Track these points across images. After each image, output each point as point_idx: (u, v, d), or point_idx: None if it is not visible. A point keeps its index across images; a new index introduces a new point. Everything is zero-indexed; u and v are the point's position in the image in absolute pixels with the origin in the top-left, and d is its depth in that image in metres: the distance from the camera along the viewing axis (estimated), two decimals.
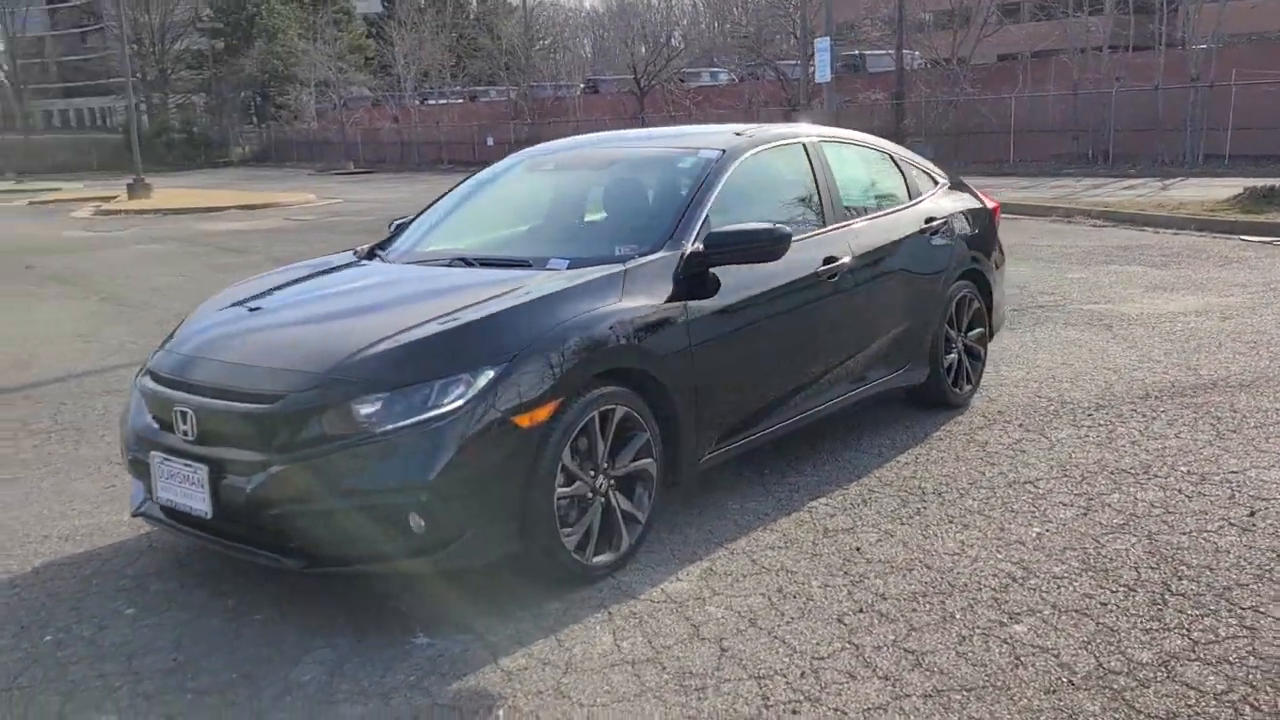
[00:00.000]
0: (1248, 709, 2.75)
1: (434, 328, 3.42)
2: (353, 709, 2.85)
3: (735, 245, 4.04)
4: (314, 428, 3.21)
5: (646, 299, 3.81)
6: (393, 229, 5.03)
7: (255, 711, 2.85)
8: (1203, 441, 5.01)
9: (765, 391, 4.38)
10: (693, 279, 4.01)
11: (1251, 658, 3.02)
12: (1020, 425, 5.37)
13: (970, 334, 5.78)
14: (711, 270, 4.09)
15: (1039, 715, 2.75)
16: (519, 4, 56.88)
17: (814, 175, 4.84)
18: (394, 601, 3.50)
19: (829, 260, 4.64)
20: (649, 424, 3.76)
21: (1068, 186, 20.97)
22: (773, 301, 4.35)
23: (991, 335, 6.13)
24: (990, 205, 6.11)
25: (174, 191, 30.27)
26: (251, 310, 4.00)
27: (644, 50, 47.99)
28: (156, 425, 3.58)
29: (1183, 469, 4.65)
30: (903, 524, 4.12)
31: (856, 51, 39.75)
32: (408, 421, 3.17)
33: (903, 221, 5.28)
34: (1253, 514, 4.11)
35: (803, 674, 2.98)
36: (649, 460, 3.78)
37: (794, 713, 2.80)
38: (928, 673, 2.98)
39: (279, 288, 4.26)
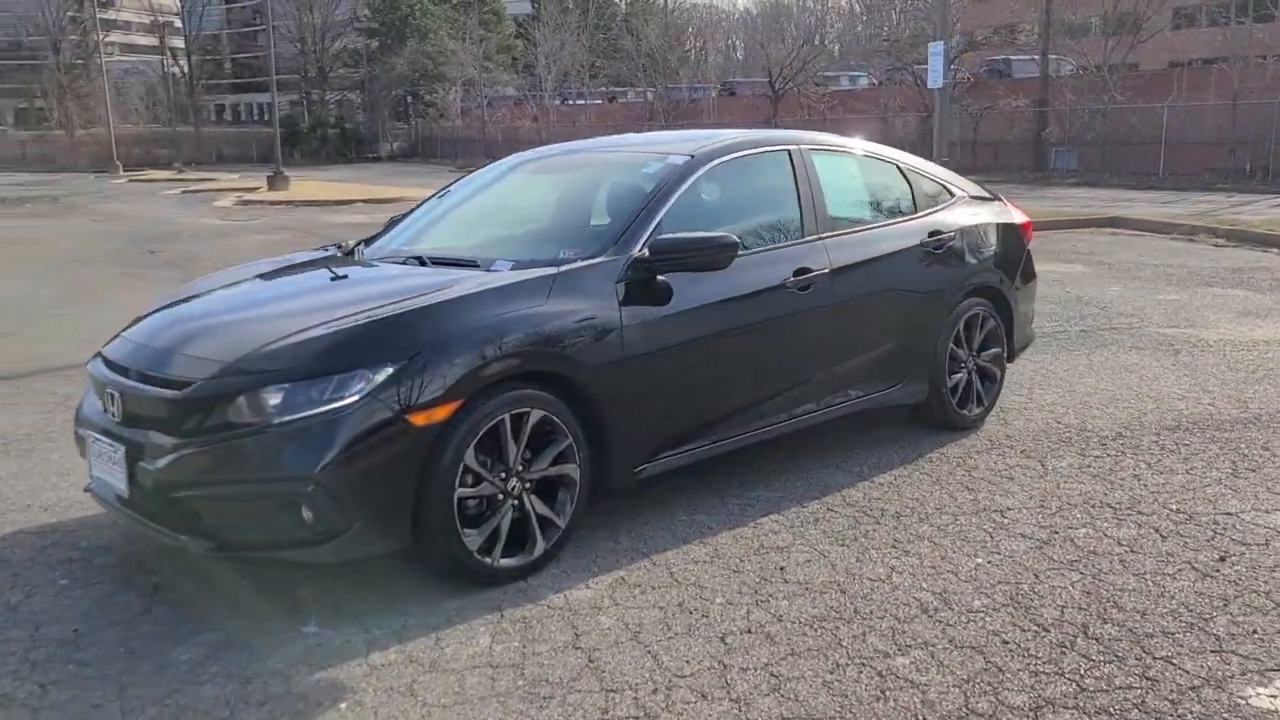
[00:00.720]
0: None
1: (345, 324, 3.50)
2: (210, 690, 2.95)
3: (679, 253, 4.00)
4: (219, 415, 3.33)
5: (576, 303, 3.81)
6: (386, 224, 5.16)
7: (121, 685, 2.99)
8: (1212, 479, 4.70)
9: (717, 403, 4.31)
10: (636, 285, 3.99)
11: (1135, 711, 2.83)
12: (1022, 451, 5.13)
13: (984, 354, 5.55)
14: (661, 278, 4.06)
15: None
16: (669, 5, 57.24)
17: (796, 184, 4.74)
18: (305, 589, 3.60)
19: (801, 272, 4.54)
20: (572, 429, 3.76)
21: (1213, 202, 19.89)
22: (729, 312, 4.29)
23: (1012, 357, 5.88)
24: (1018, 221, 5.86)
25: (310, 184, 31.56)
26: (203, 301, 4.18)
27: (781, 52, 47.54)
28: (99, 406, 3.77)
29: (1173, 506, 4.37)
30: (842, 546, 4.00)
31: (1001, 56, 38.54)
32: (304, 414, 3.26)
33: (900, 234, 5.12)
34: (1223, 559, 3.84)
35: (655, 690, 2.94)
36: (571, 466, 3.78)
37: None
38: (782, 698, 2.90)
39: (242, 281, 4.43)
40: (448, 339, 3.46)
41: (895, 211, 5.29)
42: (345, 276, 4.23)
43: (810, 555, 3.91)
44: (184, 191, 31.89)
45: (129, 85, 70.39)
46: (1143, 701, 2.89)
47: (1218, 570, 3.75)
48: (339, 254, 4.79)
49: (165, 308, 4.18)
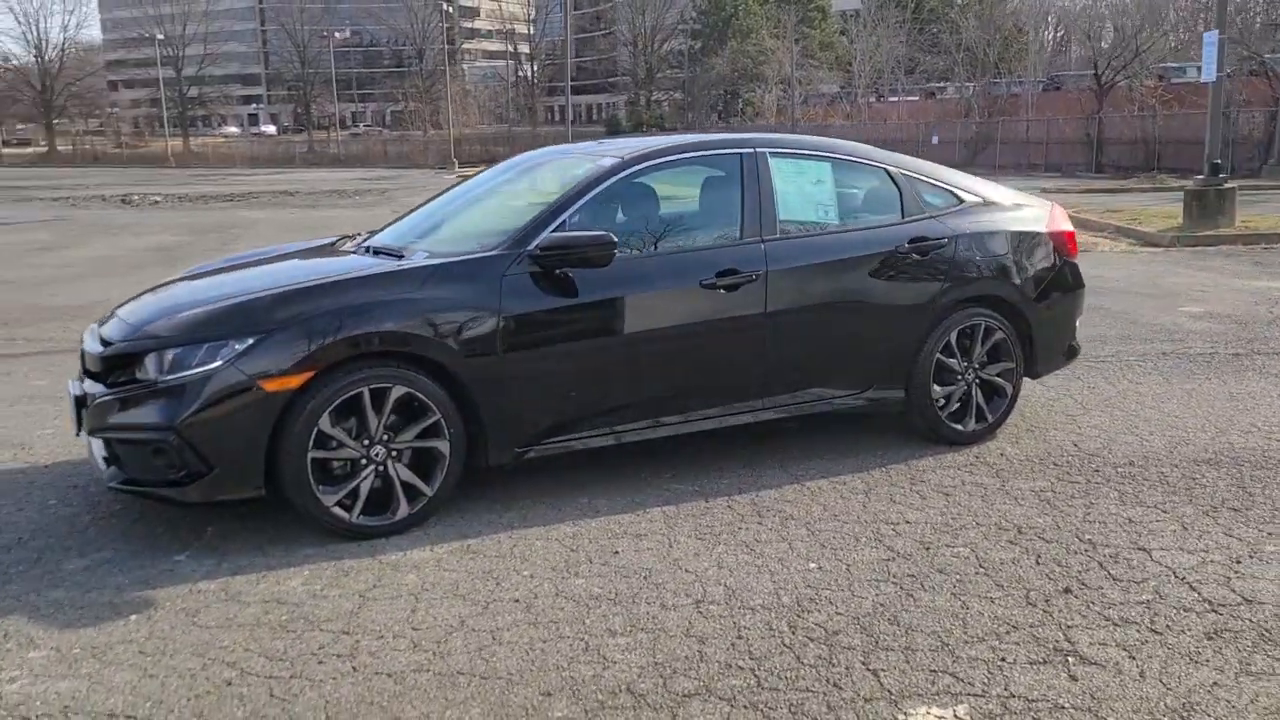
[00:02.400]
0: None
1: (237, 300, 4.12)
2: (59, 593, 3.65)
3: (560, 249, 4.29)
4: (130, 371, 4.04)
5: (452, 293, 4.20)
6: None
7: (6, 578, 3.76)
8: (1177, 516, 4.35)
9: (618, 394, 4.53)
10: (529, 279, 4.31)
11: (784, 709, 2.86)
12: (997, 472, 4.92)
13: (990, 368, 5.33)
14: (560, 272, 4.36)
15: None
16: None
17: (742, 188, 4.83)
18: (217, 524, 4.25)
19: (726, 273, 4.64)
20: (442, 407, 4.15)
21: None
22: (632, 308, 4.49)
23: (1037, 373, 5.57)
24: (1045, 229, 5.52)
25: None
26: (187, 280, 4.94)
27: (1109, 41, 44.21)
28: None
29: (1087, 538, 4.13)
30: (698, 540, 4.13)
31: None
32: (180, 374, 3.90)
33: (870, 239, 5.05)
34: (1067, 590, 3.63)
35: (382, 636, 3.31)
36: (440, 441, 4.18)
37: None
38: (473, 655, 3.17)
39: (237, 264, 5.16)
40: (306, 317, 3.97)
41: (873, 216, 5.21)
42: (298, 265, 4.84)
43: (658, 544, 4.08)
44: None
45: (478, 90, 76.85)
46: (802, 703, 2.91)
47: (1047, 601, 3.56)
48: (329, 244, 5.37)
49: (159, 286, 4.99)
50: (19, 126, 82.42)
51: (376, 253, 4.75)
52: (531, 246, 4.35)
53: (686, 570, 3.84)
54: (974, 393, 5.31)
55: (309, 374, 3.93)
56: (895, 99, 58.63)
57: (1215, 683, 3.03)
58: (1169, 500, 4.53)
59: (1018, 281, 5.38)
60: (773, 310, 4.76)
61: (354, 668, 3.13)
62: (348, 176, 44.76)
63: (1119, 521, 4.30)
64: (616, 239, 4.33)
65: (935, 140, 48.54)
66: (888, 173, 5.28)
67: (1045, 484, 4.75)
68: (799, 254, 4.88)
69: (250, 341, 3.91)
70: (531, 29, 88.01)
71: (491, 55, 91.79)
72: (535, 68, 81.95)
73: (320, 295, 4.11)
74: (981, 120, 46.39)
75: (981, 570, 3.83)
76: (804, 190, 5.04)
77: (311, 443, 3.95)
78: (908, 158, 5.52)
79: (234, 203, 26.64)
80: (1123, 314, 9.01)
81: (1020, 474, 4.90)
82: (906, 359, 5.12)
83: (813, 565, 3.89)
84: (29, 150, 75.59)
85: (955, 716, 2.88)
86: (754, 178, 4.86)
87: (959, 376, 5.26)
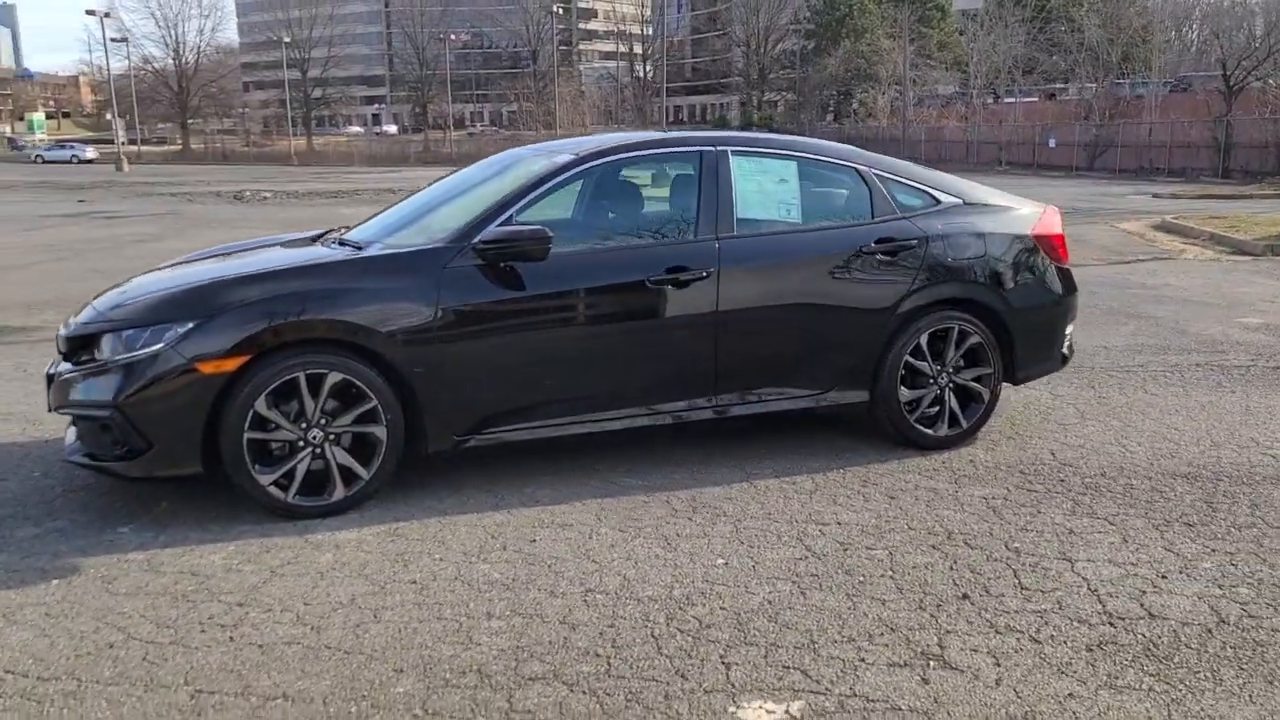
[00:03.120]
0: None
1: (184, 286, 4.34)
2: (5, 556, 3.91)
3: (499, 243, 4.39)
4: (89, 352, 4.30)
5: (390, 284, 4.34)
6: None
7: None
8: (1123, 528, 4.23)
9: (560, 385, 4.60)
10: (472, 271, 4.42)
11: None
12: (957, 478, 4.84)
13: (965, 373, 5.23)
14: (504, 265, 4.46)
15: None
16: None
17: (699, 186, 4.85)
18: (169, 501, 4.48)
19: (675, 270, 4.67)
20: (379, 394, 4.30)
21: None
22: (577, 302, 4.57)
23: (1015, 380, 5.43)
24: (1028, 233, 5.37)
25: None
26: (168, 268, 5.19)
27: (1240, 41, 42.29)
28: None
29: (1016, 546, 4.04)
30: (619, 532, 4.18)
31: None
32: (126, 355, 4.13)
33: (833, 239, 5.01)
34: (965, 596, 3.56)
35: (241, 603, 3.46)
36: (378, 427, 4.32)
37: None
38: (300, 625, 3.30)
39: (218, 254, 5.39)
40: (244, 303, 4.16)
41: (840, 216, 5.16)
42: (266, 257, 5.04)
43: (578, 535, 4.14)
44: None
45: (591, 90, 77.63)
46: (640, 691, 2.95)
47: (939, 606, 3.52)
48: (314, 236, 5.54)
49: (139, 275, 5.26)
50: (159, 126, 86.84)
51: (343, 244, 4.93)
52: (476, 240, 4.46)
53: (593, 560, 3.90)
54: (947, 397, 5.22)
55: (245, 358, 4.11)
56: (1012, 100, 57.02)
57: (1070, 694, 2.96)
58: (1123, 512, 4.39)
59: (996, 285, 5.25)
60: (724, 309, 4.77)
61: (231, 638, 3.28)
62: None
63: (1058, 531, 4.18)
64: (551, 234, 4.40)
65: (1052, 143, 47.06)
66: (859, 172, 5.21)
67: (1000, 491, 4.65)
68: (755, 253, 4.87)
69: (190, 325, 4.12)
70: (650, 29, 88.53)
71: (607, 56, 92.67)
72: (648, 68, 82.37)
73: (260, 283, 4.29)
74: (1101, 123, 44.80)
75: (889, 573, 3.78)
76: (766, 189, 5.03)
77: (248, 424, 4.14)
78: (886, 158, 5.45)
79: (336, 200, 27.53)
80: (1171, 324, 8.67)
81: (980, 480, 4.80)
82: (870, 361, 5.06)
83: (721, 561, 3.90)
84: (164, 148, 79.58)
85: (787, 712, 2.87)
86: (713, 176, 4.88)
87: (930, 380, 5.18)
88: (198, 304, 4.21)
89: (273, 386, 4.16)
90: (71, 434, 4.47)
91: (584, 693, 2.97)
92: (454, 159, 63.32)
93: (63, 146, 69.42)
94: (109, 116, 56.93)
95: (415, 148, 69.11)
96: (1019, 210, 5.51)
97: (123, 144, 59.32)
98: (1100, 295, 10.15)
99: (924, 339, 5.12)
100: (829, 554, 3.96)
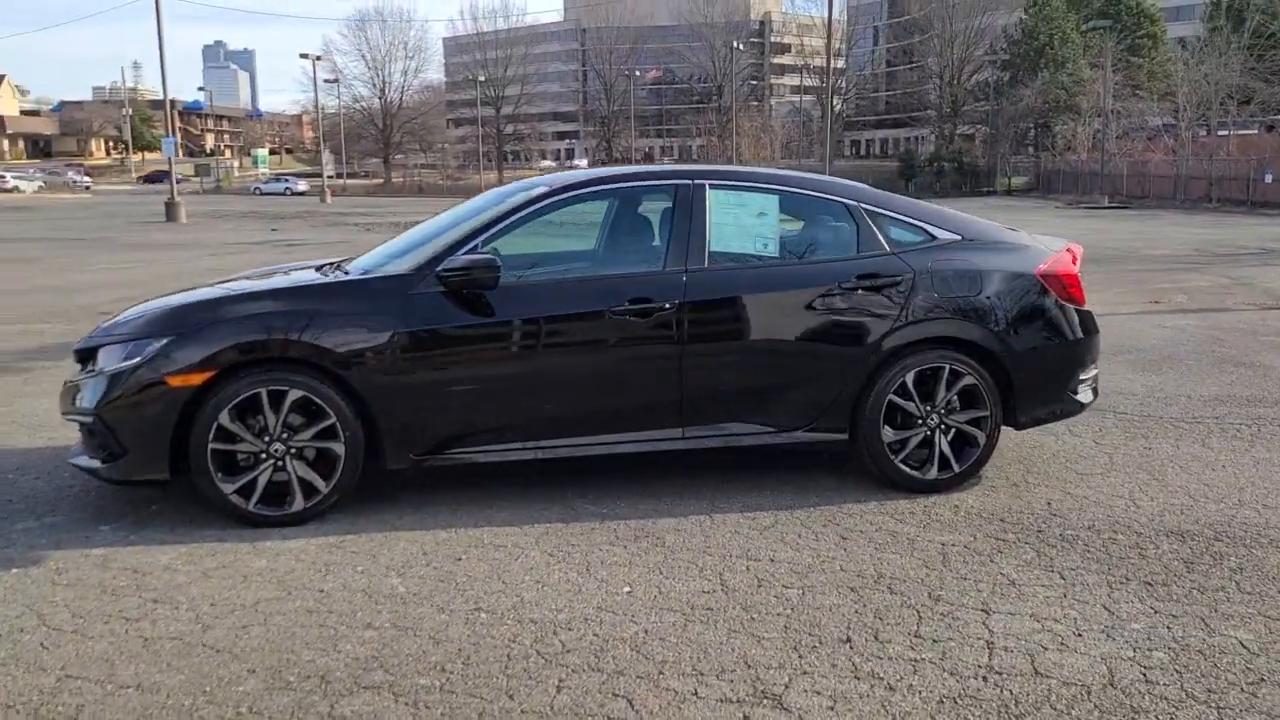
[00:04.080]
0: None
1: (174, 304, 4.71)
2: None
3: (457, 271, 4.56)
4: (91, 363, 4.72)
5: (355, 307, 4.59)
6: None
7: None
8: (1073, 583, 4.01)
9: (521, 411, 4.71)
10: (436, 297, 4.61)
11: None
12: (927, 524, 4.67)
13: (958, 415, 5.03)
14: (467, 292, 4.63)
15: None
16: None
17: (672, 219, 4.89)
18: (160, 504, 4.86)
19: (638, 301, 4.72)
20: (339, 412, 4.53)
21: None
22: (536, 330, 4.68)
23: (1020, 424, 5.18)
24: (1032, 272, 5.12)
25: None
26: (187, 290, 5.61)
27: None
28: None
29: (949, 599, 3.87)
30: (548, 556, 4.25)
31: None
32: (112, 366, 4.52)
33: (810, 274, 4.94)
34: (847, 641, 3.45)
35: (154, 601, 3.72)
36: (336, 443, 4.56)
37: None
38: (193, 621, 3.51)
39: (247, 276, 5.77)
40: (213, 322, 4.48)
41: (821, 250, 5.07)
42: (275, 278, 5.36)
43: (504, 557, 4.24)
44: None
45: (779, 125, 77.63)
46: (461, 706, 3.02)
47: (814, 648, 3.43)
48: (331, 264, 5.83)
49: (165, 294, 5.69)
50: (368, 160, 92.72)
51: (338, 269, 5.23)
52: (439, 268, 4.65)
53: (503, 581, 3.99)
54: (937, 439, 5.02)
55: (210, 373, 4.43)
56: (1225, 133, 53.42)
57: None
58: (1084, 567, 4.13)
59: (992, 324, 5.03)
60: (689, 341, 4.77)
61: (126, 631, 3.54)
62: None
63: (998, 582, 3.98)
64: (500, 263, 4.54)
65: (1269, 178, 43.80)
66: (846, 207, 5.12)
67: (964, 539, 4.45)
68: (724, 286, 4.86)
69: (164, 342, 4.47)
70: (841, 62, 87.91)
71: (796, 90, 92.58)
72: (838, 102, 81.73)
73: (235, 304, 4.62)
74: None
75: (786, 613, 3.70)
76: (743, 223, 5.00)
77: (212, 435, 4.45)
78: (880, 193, 5.32)
79: None
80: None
81: (950, 527, 4.61)
82: (847, 399, 4.94)
83: (626, 589, 3.92)
84: (368, 181, 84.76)
85: None
86: (686, 209, 4.90)
87: (918, 420, 5.00)
88: (174, 322, 4.56)
89: (236, 401, 4.45)
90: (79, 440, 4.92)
91: (406, 704, 3.07)
92: None
93: (278, 180, 75.38)
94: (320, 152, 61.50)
95: None
96: (1025, 248, 5.26)
97: (330, 177, 63.51)
98: (1225, 342, 9.45)
99: (910, 378, 4.96)
100: (739, 590, 3.91)
